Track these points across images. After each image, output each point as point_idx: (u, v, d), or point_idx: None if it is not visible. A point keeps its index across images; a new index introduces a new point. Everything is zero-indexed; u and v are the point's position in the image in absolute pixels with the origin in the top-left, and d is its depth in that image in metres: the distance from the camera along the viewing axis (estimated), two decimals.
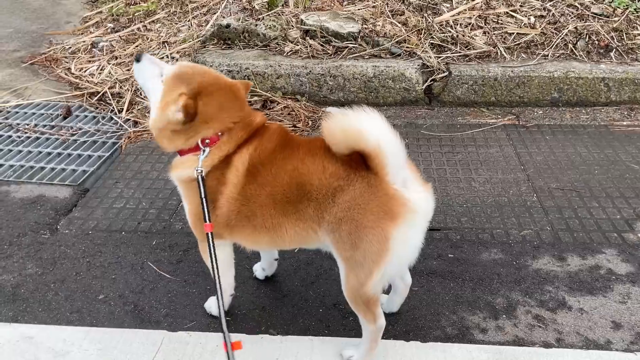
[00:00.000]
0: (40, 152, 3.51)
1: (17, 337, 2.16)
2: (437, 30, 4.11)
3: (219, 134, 1.87)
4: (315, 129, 3.70)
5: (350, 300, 1.87)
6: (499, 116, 3.83)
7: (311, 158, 1.78)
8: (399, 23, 4.23)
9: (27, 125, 3.84)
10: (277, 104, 3.88)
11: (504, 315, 2.23)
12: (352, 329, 2.16)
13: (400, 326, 2.18)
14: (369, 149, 1.64)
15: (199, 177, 1.82)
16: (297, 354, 2.06)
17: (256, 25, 4.23)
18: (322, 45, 4.09)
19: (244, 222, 1.88)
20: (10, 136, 3.71)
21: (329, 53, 4.04)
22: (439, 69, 3.88)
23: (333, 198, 1.73)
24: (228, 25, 4.25)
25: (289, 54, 4.06)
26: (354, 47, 4.06)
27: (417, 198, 1.72)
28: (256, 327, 2.19)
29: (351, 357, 2.00)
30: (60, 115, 3.95)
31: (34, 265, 2.55)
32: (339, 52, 4.04)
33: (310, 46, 4.08)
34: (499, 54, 3.98)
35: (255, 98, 3.93)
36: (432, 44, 4.06)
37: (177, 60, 4.27)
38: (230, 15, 4.71)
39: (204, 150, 1.85)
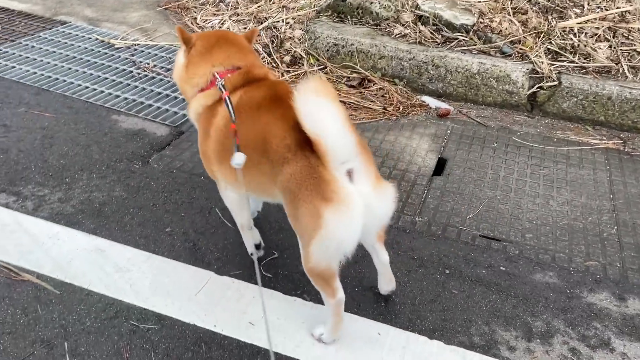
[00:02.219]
0: (152, 91, 3.87)
1: (92, 247, 2.48)
2: (558, 36, 3.89)
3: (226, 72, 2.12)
4: (404, 115, 3.71)
5: (307, 274, 1.94)
6: (604, 138, 3.57)
7: (281, 122, 1.86)
8: (518, 22, 4.05)
9: (148, 64, 4.22)
10: (374, 84, 3.92)
11: (538, 340, 2.17)
12: (380, 314, 2.23)
13: (428, 323, 2.21)
14: (309, 134, 1.71)
15: (226, 98, 2.01)
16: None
17: (371, 3, 4.26)
18: (431, 33, 4.03)
19: (226, 156, 2.00)
20: (131, 71, 4.12)
21: (437, 42, 3.98)
22: (549, 77, 3.69)
23: (282, 167, 1.83)
24: None
25: (396, 36, 4.06)
26: (464, 39, 3.96)
27: (353, 191, 1.74)
28: (292, 290, 2.33)
29: (322, 335, 2.09)
30: None
31: (121, 190, 2.87)
32: (447, 43, 3.97)
33: (420, 32, 4.05)
34: (620, 71, 3.69)
35: (355, 75, 4.00)
36: (548, 49, 3.85)
37: (290, 26, 4.43)
38: None
39: (220, 84, 2.08)
